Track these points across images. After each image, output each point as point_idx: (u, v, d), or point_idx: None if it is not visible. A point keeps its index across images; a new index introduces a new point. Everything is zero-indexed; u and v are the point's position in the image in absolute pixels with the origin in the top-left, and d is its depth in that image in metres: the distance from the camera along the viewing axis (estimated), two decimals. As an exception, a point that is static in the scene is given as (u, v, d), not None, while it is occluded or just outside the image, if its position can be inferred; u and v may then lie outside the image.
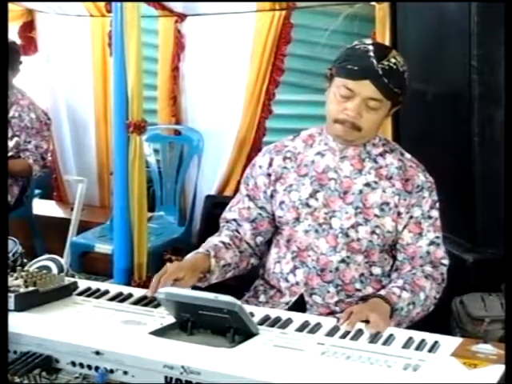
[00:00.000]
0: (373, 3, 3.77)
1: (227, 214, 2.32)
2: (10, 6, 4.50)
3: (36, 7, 4.93)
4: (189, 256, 2.17)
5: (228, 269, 2.20)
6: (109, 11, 4.17)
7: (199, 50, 4.46)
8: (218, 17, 4.31)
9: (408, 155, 2.22)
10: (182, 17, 4.46)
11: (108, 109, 4.67)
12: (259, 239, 2.29)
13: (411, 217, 2.13)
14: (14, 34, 4.86)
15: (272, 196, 2.24)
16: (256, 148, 4.08)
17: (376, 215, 2.12)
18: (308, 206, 2.16)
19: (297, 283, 2.20)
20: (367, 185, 2.14)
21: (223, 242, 2.21)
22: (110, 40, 3.78)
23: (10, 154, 3.99)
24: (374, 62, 2.02)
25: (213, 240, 2.24)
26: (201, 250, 2.18)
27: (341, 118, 2.08)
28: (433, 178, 2.20)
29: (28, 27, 5.05)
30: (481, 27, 2.83)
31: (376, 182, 2.14)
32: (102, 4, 4.51)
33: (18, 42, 4.81)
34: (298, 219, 2.18)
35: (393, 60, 2.05)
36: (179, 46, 4.49)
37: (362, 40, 2.11)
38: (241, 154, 4.29)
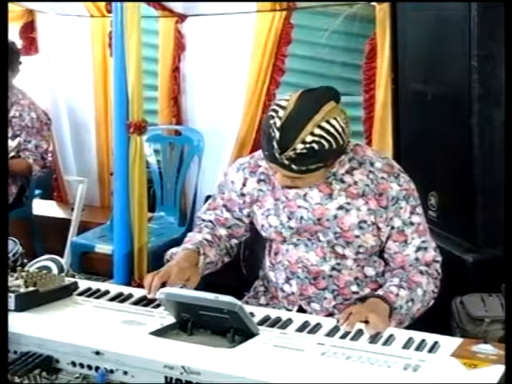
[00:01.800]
0: (373, 3, 3.77)
1: (204, 215, 2.31)
2: (11, 6, 4.51)
3: (36, 7, 4.92)
4: (178, 252, 2.15)
5: (210, 266, 2.19)
6: (109, 11, 4.17)
7: (200, 51, 4.46)
8: (219, 17, 4.31)
9: (379, 163, 2.08)
10: (182, 17, 4.46)
11: (108, 109, 4.66)
12: (234, 241, 2.30)
13: (392, 228, 2.08)
14: (14, 35, 4.86)
15: (249, 215, 2.23)
16: (256, 148, 4.04)
17: (356, 236, 2.08)
18: (290, 228, 2.13)
19: (292, 293, 2.19)
20: (340, 208, 2.08)
21: (207, 240, 2.21)
22: (111, 40, 3.77)
23: (12, 154, 4.00)
24: (277, 154, 1.88)
25: (196, 236, 2.22)
26: (189, 246, 2.17)
27: (278, 180, 2.02)
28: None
29: (28, 28, 5.05)
30: (481, 27, 2.82)
31: (349, 203, 2.07)
32: (102, 4, 4.50)
33: (19, 42, 4.82)
34: (284, 240, 2.16)
35: (300, 146, 1.85)
36: (179, 46, 4.49)
37: (276, 110, 1.89)
38: (241, 154, 4.28)
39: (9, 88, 3.92)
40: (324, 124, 1.88)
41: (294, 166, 1.90)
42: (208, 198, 4.34)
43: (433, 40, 3.19)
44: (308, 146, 1.87)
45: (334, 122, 1.90)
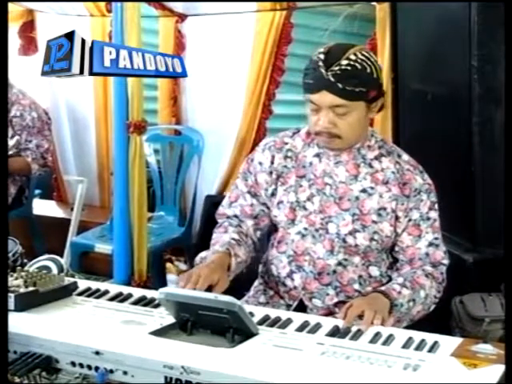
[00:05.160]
0: (373, 3, 3.77)
1: (227, 210, 2.28)
2: (10, 5, 4.51)
3: (36, 7, 4.92)
4: (208, 255, 2.10)
5: (241, 265, 2.16)
6: (109, 11, 4.17)
7: (200, 50, 4.46)
8: (219, 17, 4.31)
9: (406, 157, 2.18)
10: (182, 17, 4.46)
11: (108, 109, 4.66)
12: (259, 233, 2.28)
13: (410, 220, 2.11)
14: (14, 34, 4.86)
15: (273, 194, 2.22)
16: (256, 148, 4.08)
17: (374, 221, 2.11)
18: (305, 208, 2.15)
19: (295, 288, 2.19)
20: (363, 191, 2.12)
21: (235, 239, 2.17)
22: (111, 40, 3.77)
23: (10, 152, 4.00)
24: (323, 71, 1.98)
25: (223, 237, 2.17)
26: (219, 248, 2.11)
27: (317, 130, 2.08)
28: (433, 178, 2.18)
29: (28, 27, 5.05)
30: (481, 27, 2.83)
31: (372, 188, 2.12)
32: (102, 4, 4.51)
33: (18, 41, 4.82)
34: (293, 221, 2.16)
35: (344, 62, 1.98)
36: (179, 46, 4.48)
37: (323, 47, 2.04)
38: (241, 154, 4.29)
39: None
40: (364, 52, 2.03)
41: (339, 85, 1.98)
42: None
43: (433, 40, 3.19)
44: (352, 63, 1.98)
45: (372, 54, 2.07)
